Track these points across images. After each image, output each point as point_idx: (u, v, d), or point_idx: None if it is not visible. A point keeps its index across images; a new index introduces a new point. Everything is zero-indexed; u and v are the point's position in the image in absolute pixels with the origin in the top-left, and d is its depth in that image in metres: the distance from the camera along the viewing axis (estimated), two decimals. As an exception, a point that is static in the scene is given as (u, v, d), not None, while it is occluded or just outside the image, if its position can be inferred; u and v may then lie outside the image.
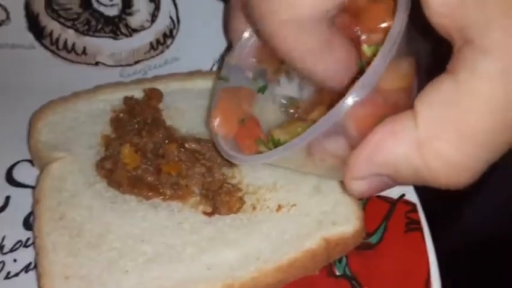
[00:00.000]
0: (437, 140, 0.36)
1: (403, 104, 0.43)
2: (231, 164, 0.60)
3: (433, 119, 0.37)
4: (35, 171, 0.59)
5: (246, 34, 0.56)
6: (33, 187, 0.58)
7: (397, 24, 0.41)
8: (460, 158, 0.36)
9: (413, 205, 0.54)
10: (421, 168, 0.38)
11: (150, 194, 0.56)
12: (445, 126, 0.36)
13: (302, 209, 0.57)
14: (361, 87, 0.40)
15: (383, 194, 0.57)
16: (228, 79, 0.57)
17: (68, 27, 0.73)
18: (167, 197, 0.56)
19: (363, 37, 0.49)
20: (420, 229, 0.52)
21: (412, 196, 0.55)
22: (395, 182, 0.43)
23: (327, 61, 0.45)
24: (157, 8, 0.76)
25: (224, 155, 0.53)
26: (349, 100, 0.40)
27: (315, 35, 0.43)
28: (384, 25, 0.47)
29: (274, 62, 0.57)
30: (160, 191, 0.56)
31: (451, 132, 0.36)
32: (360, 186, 0.44)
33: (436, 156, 0.37)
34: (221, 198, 0.56)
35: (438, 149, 0.37)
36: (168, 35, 0.76)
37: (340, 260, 0.55)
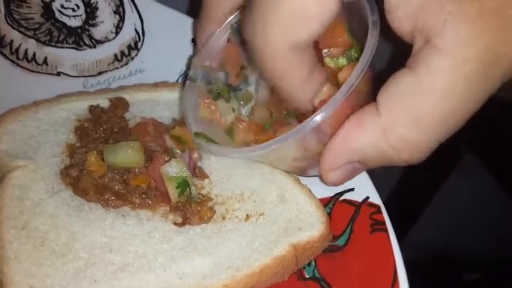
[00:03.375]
0: (398, 125, 0.43)
1: (364, 100, 0.50)
2: (200, 175, 0.60)
3: (393, 108, 0.43)
4: (-6, 181, 0.57)
5: (213, 37, 0.60)
6: (-8, 197, 0.55)
7: (368, 48, 0.48)
8: (419, 139, 0.43)
9: (378, 207, 0.57)
10: (387, 151, 0.45)
11: (117, 202, 0.55)
12: (404, 113, 0.43)
13: (269, 218, 0.58)
14: (335, 102, 0.47)
15: (348, 197, 0.59)
16: (195, 79, 0.61)
17: (29, 36, 0.72)
18: (136, 205, 0.56)
19: (325, 51, 0.54)
20: (385, 229, 0.54)
21: (375, 198, 0.58)
22: (366, 165, 0.49)
23: (310, 88, 0.50)
24: (121, 20, 0.77)
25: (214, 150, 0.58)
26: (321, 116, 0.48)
27: (306, 62, 0.48)
28: (340, 39, 0.54)
29: (236, 66, 0.61)
30: (129, 199, 0.56)
31: (410, 118, 0.42)
32: (335, 175, 0.50)
33: (399, 139, 0.43)
34: (192, 208, 0.56)
35: (400, 133, 0.43)
36: (133, 47, 0.76)
37: (309, 264, 0.56)
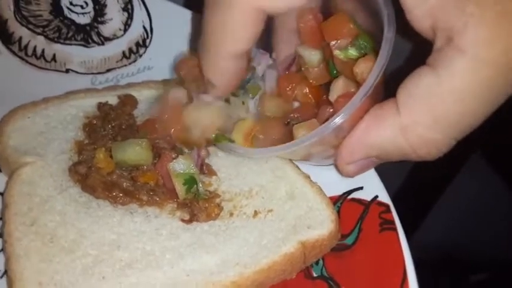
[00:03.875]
0: (418, 125, 0.45)
1: (380, 92, 0.51)
2: (208, 172, 0.60)
3: (414, 108, 0.45)
4: (3, 177, 0.57)
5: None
6: (1, 193, 0.55)
7: (385, 47, 0.48)
8: (437, 138, 0.45)
9: (387, 206, 0.56)
10: (405, 148, 0.46)
11: (125, 199, 0.55)
12: (424, 113, 0.44)
13: (278, 215, 0.58)
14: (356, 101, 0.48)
15: (356, 196, 0.59)
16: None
17: (38, 33, 0.72)
18: (144, 202, 0.56)
19: (332, 43, 0.53)
20: (394, 228, 0.54)
21: (385, 197, 0.57)
22: (382, 160, 0.51)
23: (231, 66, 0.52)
24: (130, 17, 0.77)
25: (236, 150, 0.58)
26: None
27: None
28: (345, 30, 0.54)
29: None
30: (137, 196, 0.56)
31: (430, 119, 0.44)
32: (352, 168, 0.52)
33: (419, 138, 0.45)
34: (199, 205, 0.56)
35: (420, 132, 0.45)
36: (141, 44, 0.76)
37: (317, 262, 0.56)
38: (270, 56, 0.64)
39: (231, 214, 0.58)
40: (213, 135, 0.57)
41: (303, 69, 0.59)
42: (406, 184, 1.40)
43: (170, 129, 0.56)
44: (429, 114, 0.44)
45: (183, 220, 0.56)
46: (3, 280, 0.49)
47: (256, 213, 0.58)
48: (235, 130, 0.59)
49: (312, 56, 0.58)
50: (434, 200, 1.42)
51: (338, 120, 0.49)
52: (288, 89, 0.60)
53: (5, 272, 0.49)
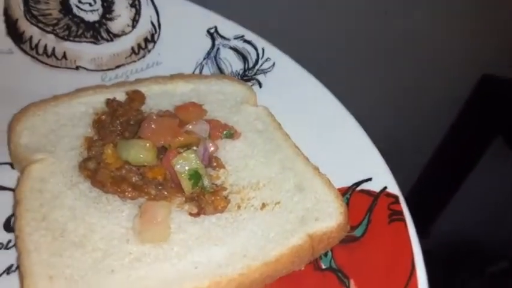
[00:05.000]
0: None
1: None
2: (216, 165, 0.60)
3: None
4: (15, 174, 0.58)
5: None
6: (13, 190, 0.56)
7: None
8: None
9: (396, 197, 0.56)
10: None
11: (134, 193, 0.56)
12: None
13: (286, 207, 0.58)
14: None
15: (365, 187, 0.58)
16: None
17: (48, 32, 0.73)
18: (152, 196, 0.56)
19: None
20: (403, 219, 0.53)
21: (394, 188, 0.56)
22: None
23: None
24: (138, 13, 0.77)
25: None
26: None
27: None
28: None
29: None
30: (145, 191, 0.56)
31: None
32: None
33: None
34: (206, 198, 0.56)
35: None
36: (150, 40, 0.77)
37: (326, 254, 0.56)
38: None
39: (239, 206, 0.58)
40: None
41: None
42: (424, 176, 1.39)
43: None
44: None
45: (190, 213, 0.56)
46: (16, 274, 0.50)
47: (264, 205, 0.58)
48: None
49: None
50: (454, 191, 1.39)
51: None
52: None
53: (18, 266, 0.50)
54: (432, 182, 1.38)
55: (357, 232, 0.55)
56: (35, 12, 0.73)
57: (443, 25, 1.24)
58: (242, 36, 0.77)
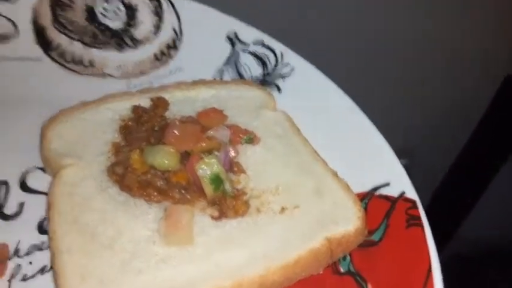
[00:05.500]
0: None
1: None
2: (237, 170, 0.62)
3: None
4: (47, 178, 0.61)
5: None
6: (46, 193, 0.59)
7: None
8: None
9: (413, 202, 0.57)
10: None
11: (159, 197, 0.58)
12: None
13: (304, 211, 0.60)
14: None
15: (383, 192, 0.60)
16: None
17: (75, 39, 0.76)
18: (176, 200, 0.58)
19: None
20: (420, 224, 0.54)
21: (411, 193, 0.57)
22: None
23: None
24: (160, 20, 0.79)
25: None
26: None
27: None
28: None
29: None
30: (170, 195, 0.58)
31: None
32: None
33: None
34: (227, 203, 0.58)
35: None
36: (172, 46, 0.79)
37: (344, 258, 0.57)
38: None
39: (259, 210, 0.60)
40: None
41: None
42: (449, 178, 1.38)
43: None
44: None
45: (212, 217, 0.58)
46: (49, 274, 0.53)
47: (283, 209, 0.60)
48: None
49: None
50: (480, 193, 1.38)
51: None
52: None
53: (51, 267, 0.53)
54: (457, 184, 1.37)
55: (375, 236, 0.57)
56: (63, 21, 0.76)
57: (464, 24, 1.23)
58: (261, 41, 0.79)
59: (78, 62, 0.75)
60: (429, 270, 0.50)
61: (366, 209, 0.59)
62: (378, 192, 0.60)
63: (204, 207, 0.59)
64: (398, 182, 0.59)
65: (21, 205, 0.59)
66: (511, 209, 1.43)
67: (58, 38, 0.75)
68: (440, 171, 1.43)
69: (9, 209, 0.58)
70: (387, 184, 0.60)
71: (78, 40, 0.76)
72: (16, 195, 0.60)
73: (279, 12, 1.06)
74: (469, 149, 1.40)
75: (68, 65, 0.75)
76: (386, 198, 0.59)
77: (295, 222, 0.58)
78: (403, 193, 0.58)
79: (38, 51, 0.74)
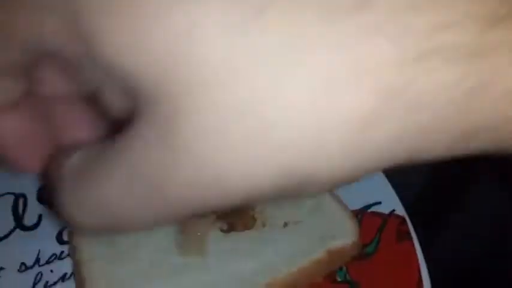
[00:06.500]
0: None
1: None
2: None
3: None
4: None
5: None
6: (64, 205, 0.63)
7: None
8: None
9: (403, 218, 0.64)
10: None
11: (172, 211, 0.63)
12: None
13: (306, 226, 0.65)
14: None
15: (375, 210, 0.67)
16: None
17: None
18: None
19: None
20: (410, 238, 0.61)
21: (401, 210, 0.65)
22: None
23: None
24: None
25: None
26: None
27: None
28: None
29: None
30: (182, 210, 0.63)
31: None
32: None
33: None
34: (236, 217, 0.63)
35: None
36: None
37: (341, 268, 0.63)
38: None
39: (264, 225, 0.65)
40: None
41: None
42: (422, 196, 1.45)
43: None
44: None
45: (222, 230, 0.63)
46: (70, 282, 0.57)
47: (286, 224, 0.65)
48: None
49: None
50: (456, 205, 1.46)
51: None
52: None
53: (72, 274, 0.57)
54: (436, 192, 1.44)
55: (369, 249, 0.63)
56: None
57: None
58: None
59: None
60: (419, 279, 0.57)
61: (360, 224, 0.65)
62: (370, 210, 0.67)
63: (214, 220, 0.64)
64: (389, 200, 0.66)
65: (40, 217, 0.62)
66: (491, 220, 1.51)
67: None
68: (424, 174, 1.51)
69: (28, 221, 0.61)
70: (378, 203, 0.67)
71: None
72: (34, 207, 0.63)
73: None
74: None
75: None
76: (379, 214, 0.65)
77: (297, 236, 0.64)
78: (393, 210, 0.65)
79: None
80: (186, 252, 0.59)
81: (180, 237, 0.59)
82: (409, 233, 0.62)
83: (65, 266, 0.58)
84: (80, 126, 0.29)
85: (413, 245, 0.61)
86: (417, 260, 0.59)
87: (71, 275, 0.57)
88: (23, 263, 0.57)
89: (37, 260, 0.58)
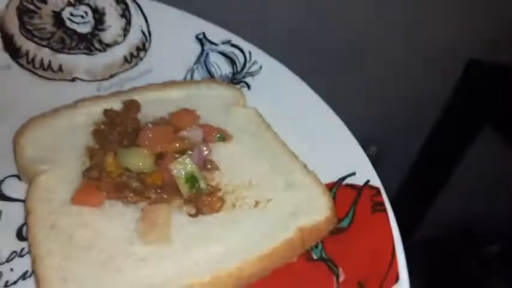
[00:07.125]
0: None
1: None
2: (211, 168, 0.65)
3: None
4: (23, 186, 0.62)
5: None
6: (22, 200, 0.60)
7: None
8: None
9: (377, 189, 0.60)
10: None
11: (136, 198, 0.60)
12: None
13: (277, 203, 0.62)
14: None
15: (350, 182, 0.63)
16: None
17: (43, 46, 0.76)
18: (152, 200, 0.60)
19: None
20: (384, 209, 0.58)
21: (375, 181, 0.61)
22: None
23: None
24: (128, 22, 0.80)
25: None
26: None
27: None
28: None
29: None
30: (146, 195, 0.60)
31: None
32: None
33: None
34: (203, 200, 0.60)
35: None
36: (141, 48, 0.80)
37: (316, 246, 0.60)
38: None
39: (234, 205, 0.62)
40: None
41: None
42: (416, 166, 1.43)
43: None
44: None
45: (189, 214, 0.60)
46: (31, 280, 0.55)
47: (257, 203, 0.62)
48: None
49: None
50: (447, 176, 1.44)
51: None
52: None
53: (32, 272, 0.54)
54: (424, 172, 1.43)
55: (344, 223, 0.60)
56: (29, 27, 0.76)
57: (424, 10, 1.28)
58: (229, 40, 0.81)
59: (47, 67, 0.76)
60: (393, 250, 0.54)
61: (334, 198, 0.62)
62: (345, 182, 0.63)
63: (181, 205, 0.61)
64: (363, 171, 0.63)
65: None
66: (478, 188, 1.50)
67: (26, 44, 0.76)
68: (410, 157, 1.49)
69: (-14, 218, 0.59)
70: (353, 174, 0.63)
71: (46, 46, 0.76)
72: (-8, 203, 0.60)
73: (246, 10, 1.08)
74: (436, 134, 1.45)
75: (36, 71, 0.75)
76: (353, 186, 0.62)
77: (269, 215, 0.61)
78: (368, 181, 0.61)
79: (6, 58, 0.74)
80: (148, 242, 0.56)
81: (141, 225, 0.57)
82: (383, 204, 0.58)
83: (26, 264, 0.56)
84: None
85: (387, 215, 0.57)
86: (391, 230, 0.56)
87: (32, 273, 0.55)
88: (-19, 263, 0.55)
89: (-4, 259, 0.56)
